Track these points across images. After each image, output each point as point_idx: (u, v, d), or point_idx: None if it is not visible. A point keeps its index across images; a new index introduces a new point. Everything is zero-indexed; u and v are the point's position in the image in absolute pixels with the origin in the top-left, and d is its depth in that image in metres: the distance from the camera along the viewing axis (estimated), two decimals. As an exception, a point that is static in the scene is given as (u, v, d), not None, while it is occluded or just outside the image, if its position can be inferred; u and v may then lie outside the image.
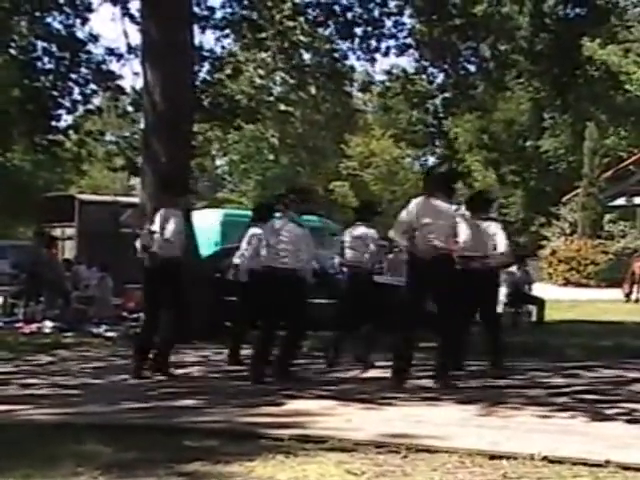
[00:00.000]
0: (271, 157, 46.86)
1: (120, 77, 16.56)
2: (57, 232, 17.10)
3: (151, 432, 5.24)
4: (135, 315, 14.13)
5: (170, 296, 8.04)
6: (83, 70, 16.16)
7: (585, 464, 4.33)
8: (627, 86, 26.77)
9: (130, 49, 15.92)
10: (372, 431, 5.19)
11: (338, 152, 46.43)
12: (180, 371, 8.54)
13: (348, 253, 9.01)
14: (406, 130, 49.25)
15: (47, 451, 4.75)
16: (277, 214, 8.20)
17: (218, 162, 46.46)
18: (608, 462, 4.31)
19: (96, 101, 18.11)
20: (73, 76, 16.12)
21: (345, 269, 9.33)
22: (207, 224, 17.04)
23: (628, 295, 22.58)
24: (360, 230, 8.97)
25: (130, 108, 17.95)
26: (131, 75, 16.68)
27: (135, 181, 25.39)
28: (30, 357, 10.13)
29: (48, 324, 13.67)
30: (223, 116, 16.68)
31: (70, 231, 17.28)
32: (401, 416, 5.87)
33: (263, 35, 16.27)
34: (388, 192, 44.74)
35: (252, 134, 41.86)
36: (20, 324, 13.88)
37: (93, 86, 16.47)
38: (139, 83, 15.37)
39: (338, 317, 9.03)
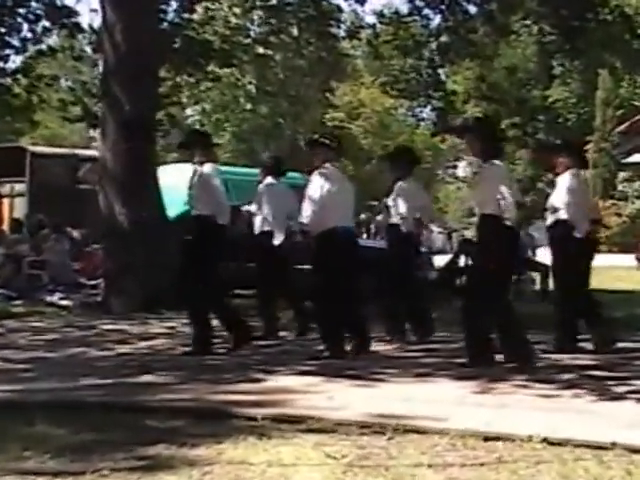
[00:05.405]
0: (248, 106, 46.49)
1: (76, 13, 16.36)
2: (5, 188, 16.94)
3: (110, 411, 5.24)
4: (94, 281, 14.05)
5: None
6: (33, 4, 15.93)
7: (589, 446, 4.34)
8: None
9: (88, -18, 15.75)
10: (356, 410, 5.20)
11: (323, 101, 46.16)
12: (144, 344, 8.53)
13: None
14: (398, 79, 48.90)
15: (-9, 432, 4.74)
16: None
17: (189, 111, 46.01)
18: (614, 444, 4.32)
19: (49, 41, 17.90)
20: (22, 11, 15.88)
21: None
22: (175, 181, 16.84)
23: (643, 261, 22.73)
24: None
25: (88, 49, 17.76)
26: (88, 12, 16.49)
27: (96, 132, 25.18)
28: (-25, 328, 10.10)
29: (-6, 291, 13.60)
30: (194, 60, 16.51)
31: (20, 187, 17.08)
32: (390, 394, 5.90)
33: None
34: (379, 147, 44.62)
35: (227, 81, 41.49)
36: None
37: (45, 23, 16.26)
38: (97, 21, 15.20)
39: None
